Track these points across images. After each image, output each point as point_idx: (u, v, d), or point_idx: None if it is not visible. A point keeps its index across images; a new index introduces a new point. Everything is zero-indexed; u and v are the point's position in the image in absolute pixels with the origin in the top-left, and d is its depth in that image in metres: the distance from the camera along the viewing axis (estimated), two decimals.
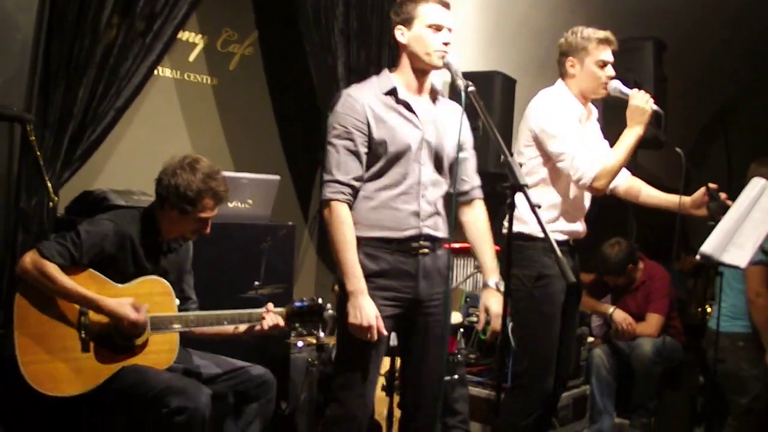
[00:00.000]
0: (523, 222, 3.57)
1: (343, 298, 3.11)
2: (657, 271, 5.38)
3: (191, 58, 5.09)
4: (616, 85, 3.69)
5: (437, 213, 3.25)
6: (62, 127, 3.81)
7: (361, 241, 3.13)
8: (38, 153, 3.69)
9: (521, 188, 2.70)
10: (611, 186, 3.88)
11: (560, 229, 3.70)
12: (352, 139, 3.11)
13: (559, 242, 3.59)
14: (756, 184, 3.61)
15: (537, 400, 3.71)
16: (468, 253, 4.56)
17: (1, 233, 3.74)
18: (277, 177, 4.50)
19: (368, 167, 3.15)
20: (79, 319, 3.29)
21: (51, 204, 3.79)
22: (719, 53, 6.98)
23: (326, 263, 5.52)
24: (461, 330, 4.72)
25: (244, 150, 5.26)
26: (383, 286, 3.15)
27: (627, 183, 3.98)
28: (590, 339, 5.44)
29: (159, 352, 3.41)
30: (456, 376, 4.40)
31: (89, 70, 3.87)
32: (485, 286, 3.36)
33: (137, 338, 3.36)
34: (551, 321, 3.67)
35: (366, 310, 3.04)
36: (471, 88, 3.03)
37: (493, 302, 3.29)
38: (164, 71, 4.92)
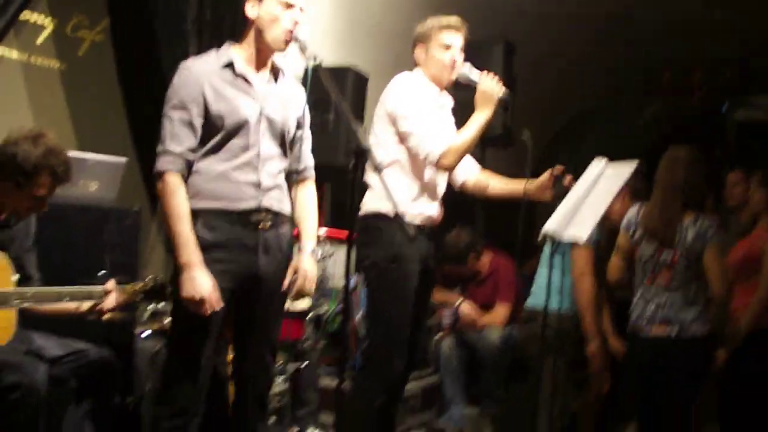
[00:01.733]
0: (381, 201, 3.62)
1: (176, 272, 3.05)
2: (504, 262, 5.52)
3: (39, 41, 4.92)
4: (464, 71, 3.79)
5: (278, 187, 3.25)
6: None
7: (200, 213, 3.09)
8: None
9: (364, 152, 2.72)
10: (461, 181, 3.99)
11: (417, 211, 3.75)
12: (187, 110, 3.08)
13: (419, 226, 3.71)
14: (597, 164, 3.77)
15: (385, 382, 3.74)
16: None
17: None
18: (123, 159, 4.37)
19: (207, 140, 3.12)
20: None
21: None
22: (578, 61, 7.23)
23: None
24: (308, 318, 4.68)
25: (91, 137, 5.09)
26: (219, 259, 3.10)
27: (476, 177, 4.07)
28: (439, 333, 5.53)
29: None
30: (305, 363, 4.39)
31: None
32: (299, 249, 3.34)
33: None
34: (404, 303, 3.71)
35: (199, 281, 2.99)
36: (318, 62, 3.07)
37: (306, 262, 3.28)
38: (11, 53, 4.74)
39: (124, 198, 4.47)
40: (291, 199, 3.39)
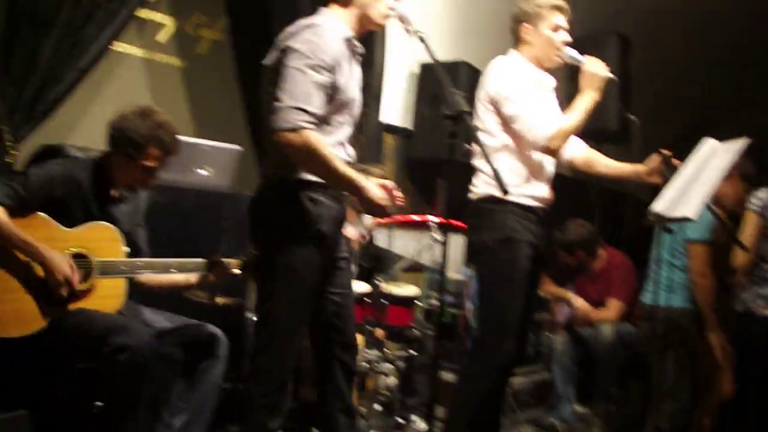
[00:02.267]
0: (492, 184, 3.60)
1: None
2: (619, 259, 5.39)
3: (160, 38, 5.12)
4: (570, 52, 3.73)
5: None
6: (24, 81, 3.82)
7: (304, 185, 3.07)
8: None
9: (462, 114, 2.70)
10: (569, 157, 3.92)
11: (527, 193, 3.70)
12: (323, 73, 2.98)
13: (527, 208, 3.67)
14: (706, 144, 3.65)
15: (496, 367, 3.68)
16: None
17: None
18: (238, 147, 4.48)
19: None
20: (26, 261, 3.25)
21: (9, 158, 3.78)
22: (694, 57, 7.04)
23: None
24: (420, 309, 4.66)
25: (210, 131, 5.24)
26: (322, 233, 3.12)
27: (585, 154, 4.00)
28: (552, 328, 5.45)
29: (105, 297, 3.37)
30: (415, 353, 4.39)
31: (54, 28, 3.89)
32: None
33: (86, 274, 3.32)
34: (516, 286, 3.65)
35: (375, 189, 3.04)
36: (422, 35, 3.08)
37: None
38: (134, 50, 4.95)
39: (240, 186, 4.58)
40: None
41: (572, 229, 5.34)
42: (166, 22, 5.13)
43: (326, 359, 3.32)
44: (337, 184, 3.05)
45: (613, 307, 5.21)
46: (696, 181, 3.51)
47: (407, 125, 5.73)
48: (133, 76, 4.97)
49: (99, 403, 3.36)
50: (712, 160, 3.56)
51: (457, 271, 4.78)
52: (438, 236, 4.39)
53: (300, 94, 2.92)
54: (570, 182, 4.85)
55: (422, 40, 3.11)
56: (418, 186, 6.05)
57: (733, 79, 8.02)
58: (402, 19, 3.16)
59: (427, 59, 3.14)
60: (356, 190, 3.01)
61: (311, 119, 2.92)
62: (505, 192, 2.87)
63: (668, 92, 7.09)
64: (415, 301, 4.49)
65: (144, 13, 4.96)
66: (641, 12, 6.36)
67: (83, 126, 4.61)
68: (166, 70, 5.18)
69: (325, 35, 3.01)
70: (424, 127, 5.61)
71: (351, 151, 3.23)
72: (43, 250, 3.20)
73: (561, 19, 3.74)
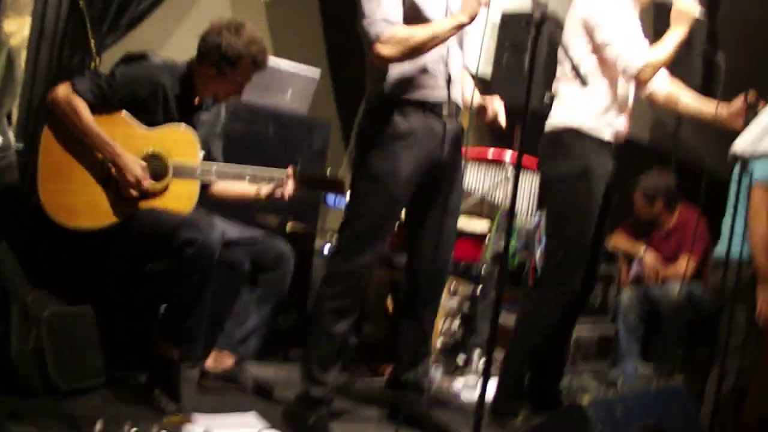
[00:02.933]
0: (573, 114, 3.60)
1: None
2: (693, 215, 5.27)
3: None
4: None
5: (457, 80, 3.32)
6: None
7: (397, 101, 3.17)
8: (85, 11, 3.78)
9: (543, 20, 2.66)
10: (650, 90, 3.85)
11: (606, 124, 3.66)
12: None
13: (604, 142, 3.62)
14: None
15: (563, 299, 3.66)
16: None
17: (42, 86, 3.80)
18: (317, 71, 4.51)
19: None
20: (103, 158, 3.33)
21: (93, 64, 3.87)
22: None
23: None
24: (488, 253, 4.64)
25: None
26: (411, 146, 3.17)
27: (668, 89, 3.92)
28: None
29: (178, 198, 3.42)
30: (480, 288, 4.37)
31: None
32: None
33: (161, 173, 3.39)
34: (588, 220, 3.63)
35: None
36: None
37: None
38: None
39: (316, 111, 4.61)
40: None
41: (656, 176, 5.27)
42: None
43: (413, 279, 3.42)
44: None
45: (685, 263, 5.09)
46: None
47: (487, 73, 5.70)
48: (217, 7, 5.01)
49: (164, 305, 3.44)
50: None
51: (529, 215, 4.73)
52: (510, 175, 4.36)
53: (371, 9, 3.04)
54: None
55: None
56: (496, 135, 6.00)
57: None
58: None
59: (509, 9, 3.13)
60: None
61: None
62: (584, 83, 2.84)
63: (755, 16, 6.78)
64: (485, 240, 4.47)
65: None
66: None
67: (164, 51, 4.67)
68: (252, 5, 5.21)
69: None
70: (504, 76, 5.59)
71: (456, 63, 3.29)
72: (117, 149, 3.29)
73: None
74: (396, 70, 3.18)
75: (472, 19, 3.07)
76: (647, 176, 5.35)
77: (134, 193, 3.32)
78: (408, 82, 3.18)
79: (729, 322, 3.82)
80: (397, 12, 3.07)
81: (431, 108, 3.21)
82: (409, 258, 3.46)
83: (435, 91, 3.23)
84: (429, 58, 3.17)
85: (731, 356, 3.84)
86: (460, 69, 3.35)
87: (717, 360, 3.80)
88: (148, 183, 3.33)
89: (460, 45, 3.33)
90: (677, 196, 5.29)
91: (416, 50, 3.06)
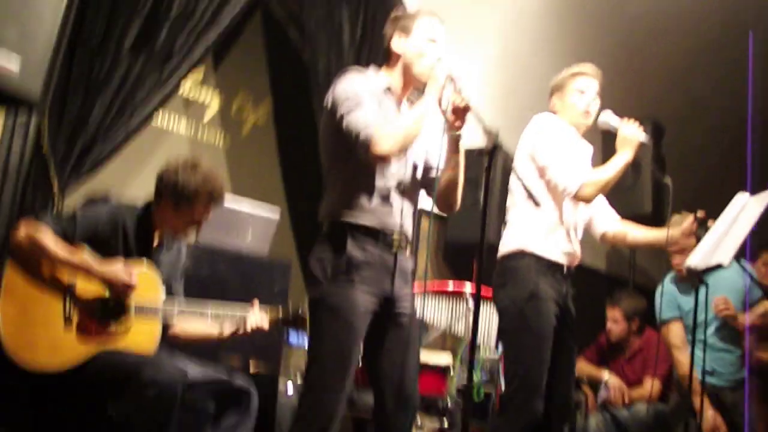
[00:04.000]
0: (520, 239, 3.67)
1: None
2: (654, 338, 5.33)
3: (206, 119, 5.31)
4: (605, 118, 3.81)
5: (413, 212, 3.31)
6: (75, 137, 4.00)
7: (347, 227, 3.14)
8: (48, 154, 3.85)
9: (497, 147, 2.75)
10: (601, 231, 3.96)
11: (552, 248, 3.72)
12: (370, 102, 3.11)
13: (552, 264, 3.68)
14: (739, 199, 3.69)
15: (526, 424, 3.62)
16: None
17: (4, 228, 3.82)
18: (276, 215, 4.57)
19: None
20: (65, 295, 3.31)
21: (55, 206, 3.91)
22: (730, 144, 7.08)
23: None
24: (454, 386, 4.61)
25: None
26: (367, 279, 3.13)
27: (616, 228, 4.02)
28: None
29: (141, 339, 3.38)
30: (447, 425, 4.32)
31: (106, 89, 4.10)
32: None
33: (123, 313, 3.37)
34: (542, 342, 3.62)
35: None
36: (459, 86, 3.13)
37: None
38: (179, 128, 5.12)
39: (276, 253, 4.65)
40: None
41: (635, 297, 5.40)
42: (212, 104, 5.30)
43: (380, 413, 3.29)
44: None
45: (650, 385, 5.13)
46: (728, 234, 3.54)
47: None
48: (177, 150, 5.12)
49: None
50: (744, 212, 3.61)
51: (491, 347, 4.74)
52: (471, 306, 4.39)
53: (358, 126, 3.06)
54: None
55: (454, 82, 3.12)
56: (454, 270, 6.08)
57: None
58: (451, 79, 3.14)
59: (467, 146, 3.21)
60: None
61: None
62: (537, 203, 2.86)
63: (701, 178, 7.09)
64: (449, 373, 4.45)
65: (192, 94, 5.15)
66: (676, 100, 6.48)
67: (126, 197, 4.72)
68: (210, 149, 5.32)
69: (353, 80, 3.18)
70: (461, 212, 5.66)
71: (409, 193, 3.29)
72: (93, 262, 3.27)
73: (586, 83, 3.84)
74: (349, 196, 3.18)
75: (440, 94, 3.12)
76: (626, 295, 5.47)
77: (130, 290, 3.32)
78: (362, 209, 3.17)
79: None
80: (378, 119, 3.09)
81: (384, 237, 3.19)
82: (375, 395, 3.39)
83: (389, 219, 3.20)
84: (382, 186, 3.19)
85: None
86: (414, 201, 3.35)
87: None
88: (135, 278, 3.32)
89: (418, 180, 3.34)
90: (647, 320, 5.38)
91: (411, 138, 3.08)
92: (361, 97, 3.10)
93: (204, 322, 3.54)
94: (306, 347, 3.36)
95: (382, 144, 3.01)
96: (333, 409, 3.12)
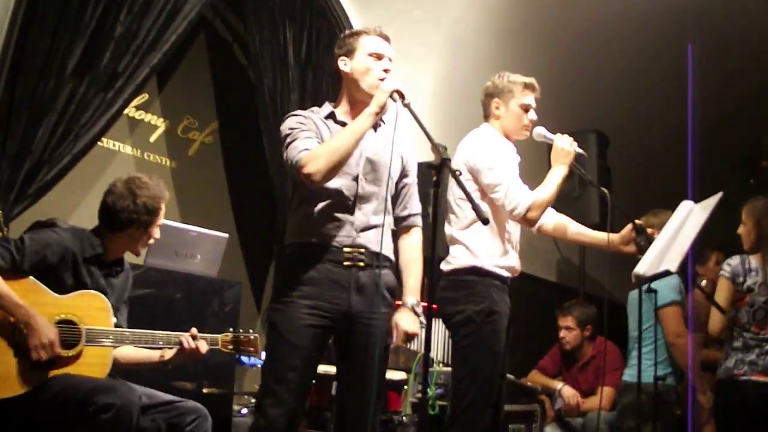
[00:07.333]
0: (474, 256, 3.66)
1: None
2: (608, 347, 5.39)
3: (152, 139, 5.27)
4: (540, 131, 3.85)
5: (376, 227, 3.25)
6: (19, 161, 3.94)
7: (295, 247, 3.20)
8: None
9: (445, 162, 2.77)
10: (539, 223, 3.95)
11: (503, 264, 3.74)
12: (307, 130, 3.18)
13: (503, 279, 3.71)
14: (684, 207, 3.76)
15: None
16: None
17: None
18: (225, 235, 4.55)
19: None
20: (15, 324, 3.25)
21: (1, 233, 3.84)
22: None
23: None
24: (409, 400, 4.63)
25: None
26: (309, 295, 3.13)
27: (554, 220, 4.06)
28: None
29: (92, 364, 3.34)
30: None
31: (50, 112, 4.04)
32: (401, 305, 3.28)
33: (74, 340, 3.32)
34: (497, 357, 3.66)
35: None
36: (407, 101, 3.13)
37: (405, 319, 3.21)
38: (125, 148, 5.07)
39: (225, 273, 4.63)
40: (398, 247, 3.38)
41: (585, 305, 5.50)
42: (158, 124, 5.27)
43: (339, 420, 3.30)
44: None
45: (604, 395, 5.17)
46: (675, 241, 3.61)
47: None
48: (124, 174, 5.05)
49: None
50: (689, 220, 3.69)
51: (444, 361, 4.76)
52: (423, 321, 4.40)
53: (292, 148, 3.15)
54: None
55: (407, 107, 3.14)
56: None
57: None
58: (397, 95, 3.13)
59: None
60: None
61: None
62: (486, 222, 2.86)
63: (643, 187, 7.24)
64: (404, 387, 4.46)
65: (137, 114, 5.12)
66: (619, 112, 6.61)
67: (73, 219, 4.67)
68: (157, 169, 5.28)
69: (295, 116, 3.28)
70: None
71: (370, 209, 3.28)
72: (29, 310, 3.21)
73: (531, 99, 3.86)
74: (301, 217, 3.21)
75: (381, 108, 3.13)
76: (577, 304, 5.56)
77: (45, 356, 3.22)
78: (310, 227, 3.18)
79: None
80: (314, 143, 3.14)
81: (332, 253, 3.17)
82: (336, 414, 3.38)
83: (338, 234, 3.19)
84: (332, 202, 3.20)
85: None
86: (379, 217, 3.29)
87: None
88: (58, 348, 3.25)
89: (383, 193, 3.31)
90: (598, 327, 5.45)
91: (339, 154, 3.08)
92: (296, 128, 3.19)
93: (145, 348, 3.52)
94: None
95: (309, 165, 3.06)
96: (277, 429, 3.11)
